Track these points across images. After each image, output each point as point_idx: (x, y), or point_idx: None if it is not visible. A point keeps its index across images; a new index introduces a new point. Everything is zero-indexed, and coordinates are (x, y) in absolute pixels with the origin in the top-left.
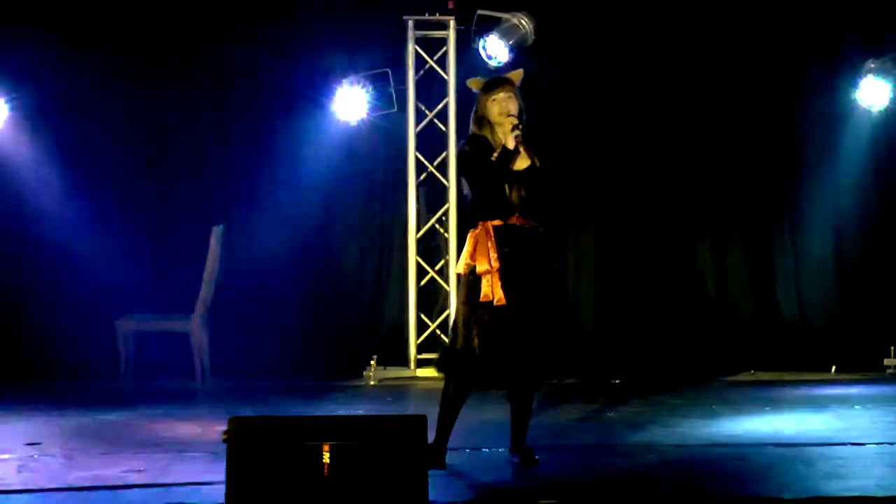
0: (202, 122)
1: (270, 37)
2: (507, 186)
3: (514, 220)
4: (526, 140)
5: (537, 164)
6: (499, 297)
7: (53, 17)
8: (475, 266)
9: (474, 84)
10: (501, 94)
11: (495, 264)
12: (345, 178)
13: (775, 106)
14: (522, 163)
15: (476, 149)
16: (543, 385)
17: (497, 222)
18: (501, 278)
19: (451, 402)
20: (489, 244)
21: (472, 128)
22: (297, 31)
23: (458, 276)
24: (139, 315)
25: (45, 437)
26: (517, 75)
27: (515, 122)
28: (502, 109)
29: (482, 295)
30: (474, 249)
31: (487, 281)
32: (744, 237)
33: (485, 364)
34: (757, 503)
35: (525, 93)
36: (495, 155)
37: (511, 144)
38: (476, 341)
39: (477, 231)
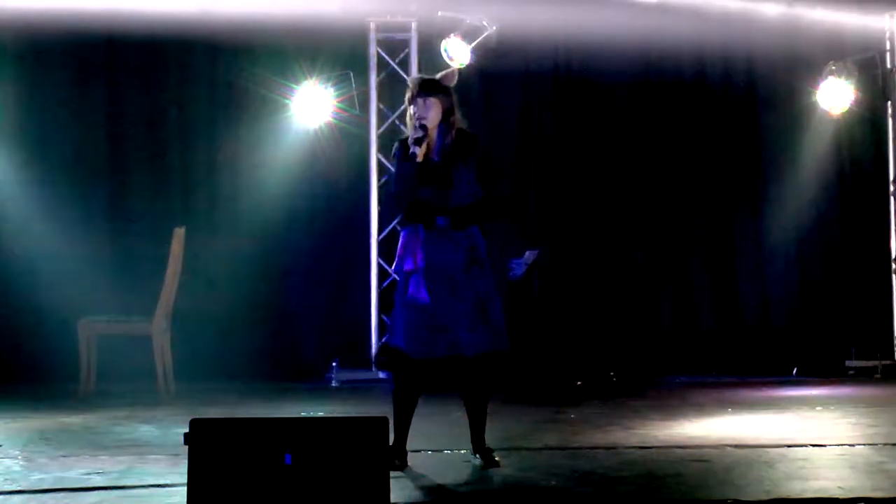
0: (164, 124)
1: (232, 39)
2: None
3: (439, 223)
4: (456, 145)
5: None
6: (422, 296)
7: (15, 20)
8: (403, 265)
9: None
10: (419, 100)
11: (420, 264)
12: (306, 179)
13: (736, 108)
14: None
15: (402, 154)
16: (488, 388)
17: (422, 223)
18: (426, 278)
19: (398, 401)
20: (417, 243)
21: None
22: (258, 32)
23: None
24: (101, 317)
25: (5, 439)
26: (450, 76)
27: (417, 135)
28: (419, 115)
29: (408, 294)
30: (403, 249)
31: (414, 280)
32: (705, 239)
33: (410, 363)
34: None
35: (487, 95)
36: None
37: (418, 158)
38: (403, 340)
39: (408, 230)
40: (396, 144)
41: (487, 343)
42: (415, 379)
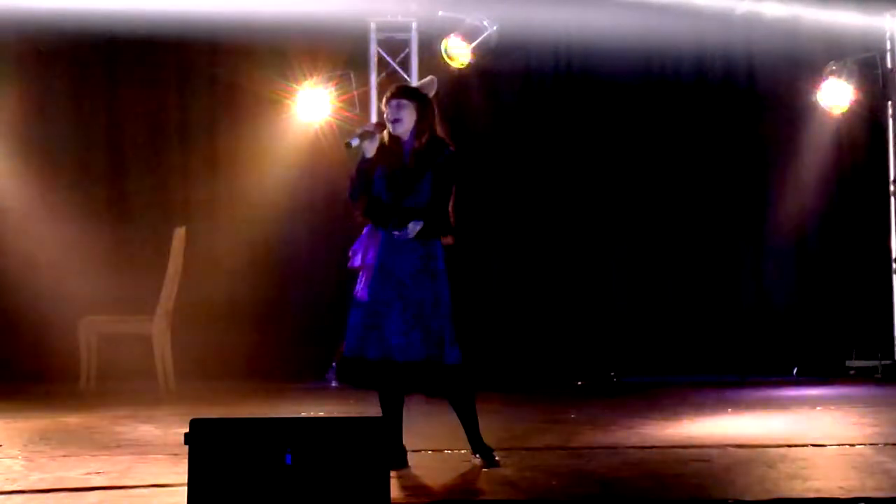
0: (164, 124)
1: (232, 38)
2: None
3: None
4: (426, 152)
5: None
6: (362, 294)
7: (16, 21)
8: (352, 260)
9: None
10: (393, 102)
11: (369, 261)
12: (307, 179)
13: (739, 107)
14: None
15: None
16: (468, 391)
17: (379, 225)
18: (374, 277)
19: (381, 402)
20: (373, 242)
21: None
22: (258, 32)
23: None
24: (102, 316)
25: (5, 438)
26: (429, 84)
27: (368, 128)
28: (389, 117)
29: (355, 291)
30: (359, 244)
31: (360, 277)
32: (706, 239)
33: (350, 365)
34: None
35: (488, 94)
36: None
37: (353, 143)
38: (346, 341)
39: (369, 228)
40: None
41: (422, 352)
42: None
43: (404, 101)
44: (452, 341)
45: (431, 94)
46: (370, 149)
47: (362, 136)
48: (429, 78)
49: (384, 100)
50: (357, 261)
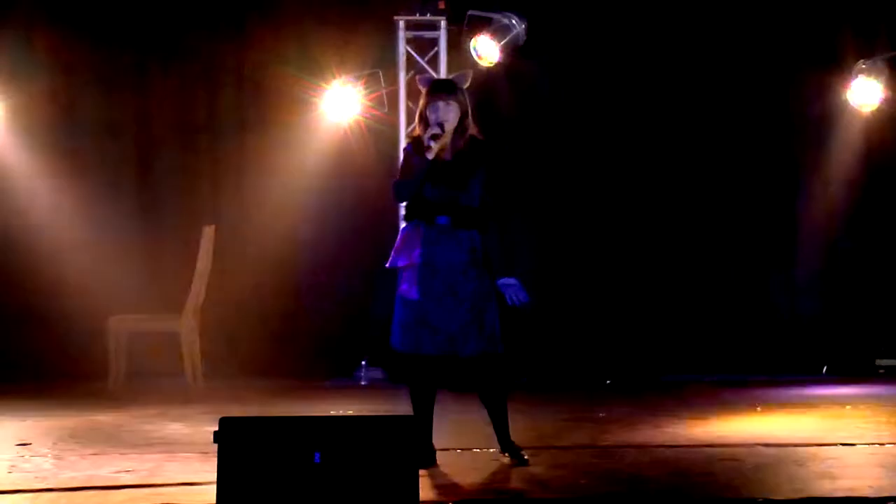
0: (193, 122)
1: (261, 37)
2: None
3: (440, 221)
4: (470, 150)
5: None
6: (413, 294)
7: (42, 18)
8: (398, 260)
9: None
10: (440, 103)
11: (416, 260)
12: (335, 178)
13: (767, 106)
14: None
15: (413, 150)
16: (501, 387)
17: (424, 221)
18: (423, 275)
19: (413, 400)
20: (416, 240)
21: (416, 128)
22: (287, 31)
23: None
24: (130, 315)
25: (35, 437)
26: (465, 77)
27: (435, 132)
28: (439, 118)
29: (400, 290)
30: (402, 244)
31: (407, 276)
32: (734, 237)
33: (408, 362)
34: None
35: (515, 93)
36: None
37: (430, 155)
38: (396, 336)
39: (409, 226)
40: (408, 141)
41: (480, 346)
42: (413, 375)
43: (451, 101)
44: (498, 334)
45: (466, 87)
46: (434, 150)
47: (434, 138)
48: (465, 70)
49: (427, 97)
50: (401, 260)
